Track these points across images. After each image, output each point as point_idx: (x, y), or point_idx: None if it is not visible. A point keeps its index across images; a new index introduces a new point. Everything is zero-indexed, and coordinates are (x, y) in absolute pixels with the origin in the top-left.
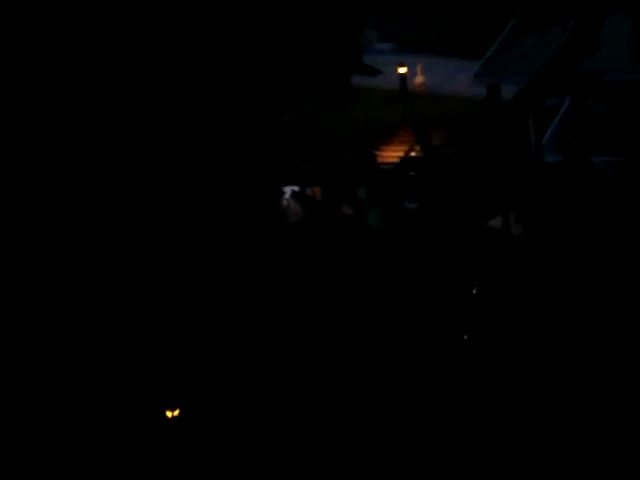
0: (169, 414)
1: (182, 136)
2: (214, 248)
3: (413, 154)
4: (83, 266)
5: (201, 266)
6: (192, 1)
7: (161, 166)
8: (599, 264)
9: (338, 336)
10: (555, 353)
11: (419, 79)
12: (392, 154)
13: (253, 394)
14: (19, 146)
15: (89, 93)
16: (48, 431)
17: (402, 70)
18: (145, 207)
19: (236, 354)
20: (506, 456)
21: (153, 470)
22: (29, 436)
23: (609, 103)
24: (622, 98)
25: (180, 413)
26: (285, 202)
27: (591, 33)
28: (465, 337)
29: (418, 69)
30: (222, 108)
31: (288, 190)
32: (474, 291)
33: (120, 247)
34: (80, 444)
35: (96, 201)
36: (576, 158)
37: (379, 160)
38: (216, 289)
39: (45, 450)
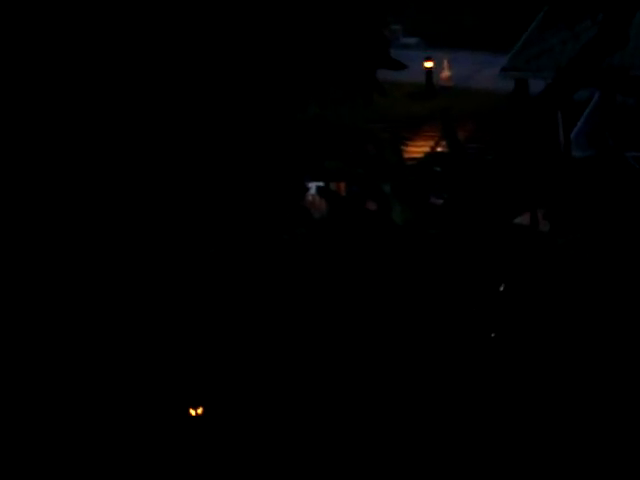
0: (192, 412)
1: (202, 130)
2: (235, 244)
3: (439, 149)
4: (97, 261)
5: (221, 262)
6: None
7: (176, 159)
8: (628, 261)
9: (360, 332)
10: (584, 353)
11: (445, 73)
12: (418, 149)
13: (266, 393)
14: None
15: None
16: (64, 425)
17: (428, 64)
18: (158, 202)
19: (252, 350)
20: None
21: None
22: (39, 432)
23: (637, 97)
24: None
25: (203, 412)
26: (310, 197)
27: (620, 27)
28: (492, 334)
29: (444, 63)
30: (245, 102)
31: (313, 186)
32: (501, 288)
33: (134, 241)
34: (95, 441)
35: (103, 197)
36: (610, 153)
37: (405, 155)
38: (237, 285)
39: (62, 443)
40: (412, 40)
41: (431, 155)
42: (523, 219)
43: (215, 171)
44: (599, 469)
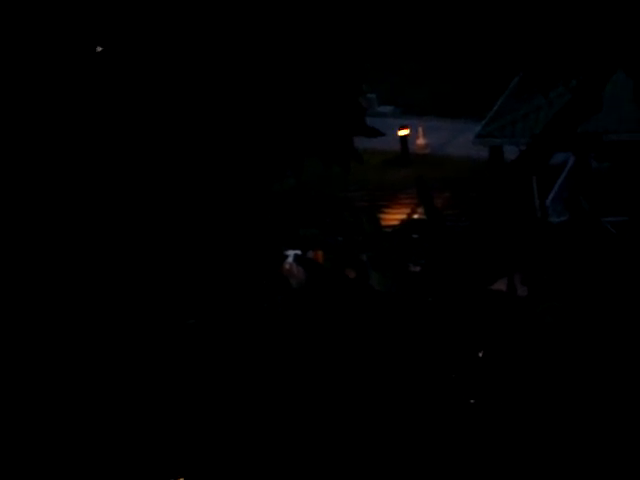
0: None
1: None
2: (215, 314)
3: (416, 216)
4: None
5: (201, 332)
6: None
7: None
8: (608, 325)
9: (341, 399)
10: (564, 420)
11: (421, 141)
12: (394, 216)
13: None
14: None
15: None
16: None
17: (403, 132)
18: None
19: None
20: None
21: None
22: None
23: (611, 162)
24: (624, 157)
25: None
26: (287, 266)
27: (593, 93)
28: (472, 401)
29: (419, 131)
30: (222, 173)
31: (291, 254)
32: (480, 354)
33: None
34: None
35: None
36: (586, 218)
37: (382, 223)
38: (218, 355)
39: None
40: (387, 108)
41: (408, 222)
42: (501, 284)
43: (195, 239)
44: None
